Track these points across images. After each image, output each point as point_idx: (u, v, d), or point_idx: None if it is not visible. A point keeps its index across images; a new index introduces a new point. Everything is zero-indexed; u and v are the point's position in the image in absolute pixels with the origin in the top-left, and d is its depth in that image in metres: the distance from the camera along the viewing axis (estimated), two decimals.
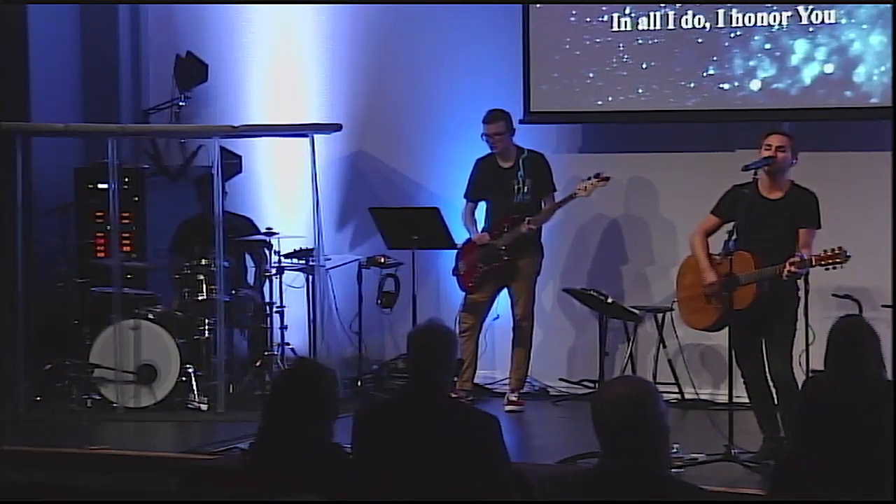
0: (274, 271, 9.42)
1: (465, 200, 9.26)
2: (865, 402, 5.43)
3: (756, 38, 8.97)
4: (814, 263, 7.09)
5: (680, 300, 7.77)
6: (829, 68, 8.84)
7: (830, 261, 7.06)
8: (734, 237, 7.20)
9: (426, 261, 9.64)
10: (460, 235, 9.31)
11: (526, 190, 9.04)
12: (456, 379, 9.07)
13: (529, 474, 5.48)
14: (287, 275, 9.51)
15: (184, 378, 9.04)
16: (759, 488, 6.77)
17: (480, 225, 9.21)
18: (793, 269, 7.08)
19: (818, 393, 5.75)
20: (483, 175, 9.17)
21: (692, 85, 9.17)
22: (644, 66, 9.25)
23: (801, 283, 7.37)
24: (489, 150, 9.14)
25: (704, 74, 9.13)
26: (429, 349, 5.05)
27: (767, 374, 7.36)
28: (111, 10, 10.73)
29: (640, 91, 9.28)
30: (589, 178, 8.89)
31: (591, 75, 9.40)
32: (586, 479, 3.86)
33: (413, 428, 4.94)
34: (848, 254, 7.04)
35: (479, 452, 4.86)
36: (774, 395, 7.35)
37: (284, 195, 10.34)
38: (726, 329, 7.39)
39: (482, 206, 9.25)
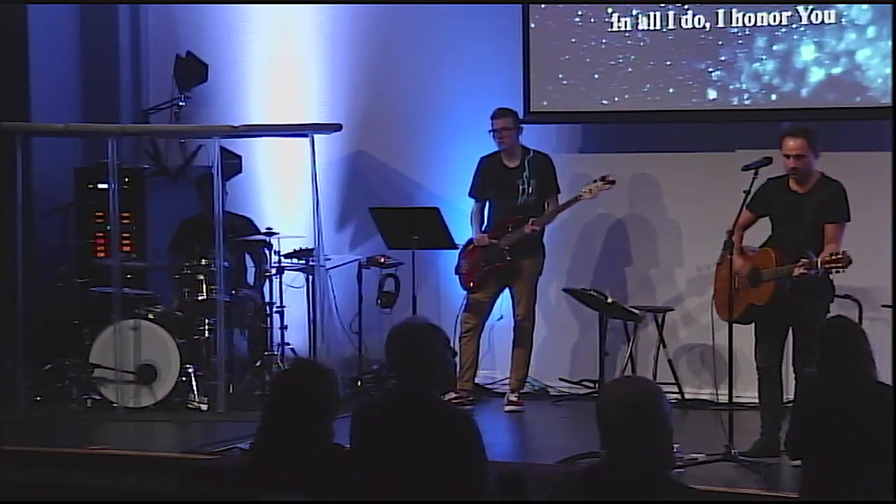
0: (274, 271, 9.42)
1: (473, 200, 9.24)
2: (857, 402, 5.45)
3: (758, 38, 8.96)
4: (819, 266, 7.08)
5: (714, 292, 7.78)
6: (831, 68, 8.83)
7: (833, 264, 7.06)
8: (732, 235, 7.26)
9: (426, 261, 9.64)
10: (460, 235, 9.31)
11: (531, 191, 9.04)
12: (457, 380, 9.09)
13: (529, 474, 5.49)
14: (287, 275, 9.51)
15: (184, 378, 9.03)
16: (760, 488, 6.79)
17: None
18: (802, 270, 7.10)
19: (811, 394, 5.77)
20: (487, 173, 9.17)
21: (696, 85, 9.15)
22: (650, 65, 9.23)
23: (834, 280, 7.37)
24: (493, 149, 9.13)
25: (710, 74, 9.11)
26: (402, 348, 5.06)
27: (781, 371, 7.39)
28: (111, 10, 10.73)
29: (643, 91, 9.27)
30: (595, 181, 8.89)
31: (596, 76, 9.38)
32: (586, 479, 3.86)
33: (395, 426, 4.94)
34: (850, 259, 7.03)
35: (453, 451, 4.86)
36: (789, 392, 7.35)
37: (284, 195, 10.34)
38: (726, 329, 7.41)
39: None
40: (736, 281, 7.45)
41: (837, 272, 7.11)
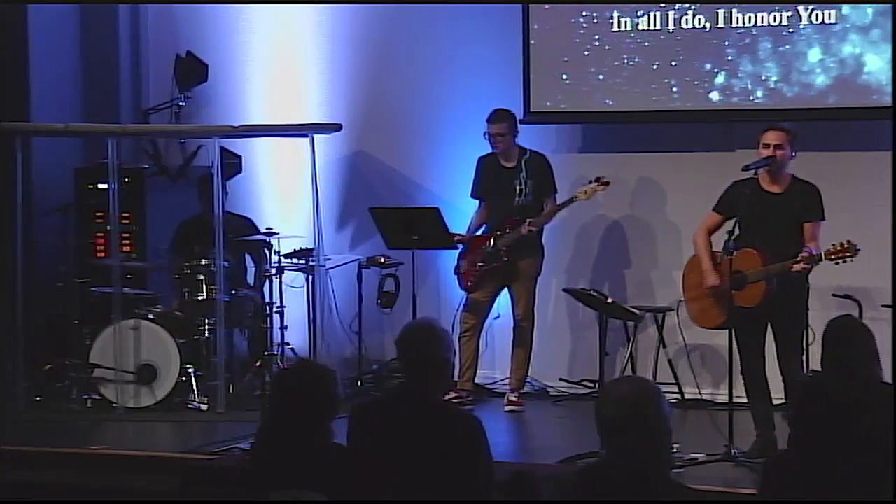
0: (274, 271, 9.41)
1: (477, 202, 9.25)
2: (860, 403, 5.44)
3: (760, 39, 8.95)
4: (823, 258, 7.08)
5: (687, 300, 7.75)
6: (832, 69, 8.83)
7: (840, 255, 7.05)
8: (734, 235, 7.20)
9: (426, 261, 9.63)
10: None
11: (528, 191, 9.05)
12: (457, 380, 9.09)
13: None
14: (287, 275, 9.50)
15: (184, 378, 9.04)
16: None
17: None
18: (803, 265, 7.08)
19: (813, 393, 5.76)
20: (485, 173, 9.18)
21: (699, 85, 9.15)
22: (653, 66, 9.22)
23: (810, 278, 7.37)
24: (491, 149, 9.14)
25: (714, 74, 9.10)
26: (409, 349, 5.06)
27: (765, 370, 7.37)
28: (111, 10, 10.72)
29: (645, 91, 9.26)
30: (590, 182, 8.89)
31: (600, 77, 9.37)
32: (586, 479, 3.86)
33: (397, 427, 4.94)
34: (858, 247, 7.03)
35: (458, 453, 4.86)
36: (782, 392, 7.35)
37: (284, 195, 10.34)
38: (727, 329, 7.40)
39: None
40: (712, 290, 7.43)
41: (844, 262, 7.10)
